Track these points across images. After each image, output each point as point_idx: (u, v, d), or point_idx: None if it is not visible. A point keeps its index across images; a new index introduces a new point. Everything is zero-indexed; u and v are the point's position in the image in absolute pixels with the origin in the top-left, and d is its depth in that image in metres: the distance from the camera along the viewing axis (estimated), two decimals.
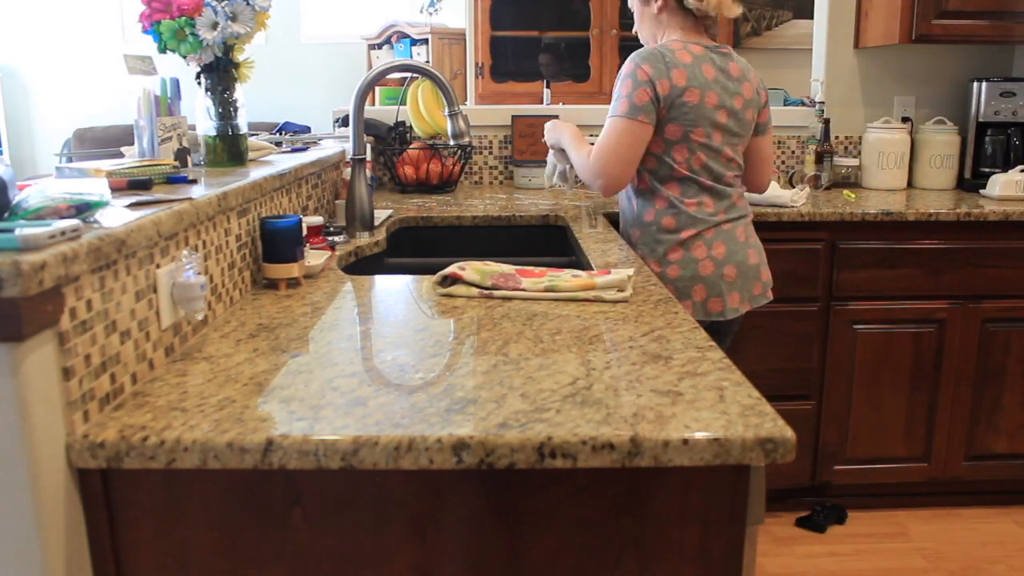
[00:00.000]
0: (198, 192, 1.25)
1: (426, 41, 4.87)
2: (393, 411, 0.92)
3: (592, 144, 1.96)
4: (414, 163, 2.73)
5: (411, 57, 4.90)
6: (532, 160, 2.85)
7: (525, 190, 2.79)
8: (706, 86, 1.85)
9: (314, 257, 1.58)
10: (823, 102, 2.94)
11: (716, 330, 1.93)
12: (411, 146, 2.74)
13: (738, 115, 1.90)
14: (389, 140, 2.80)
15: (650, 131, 1.85)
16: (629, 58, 1.88)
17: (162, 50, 1.60)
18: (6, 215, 0.90)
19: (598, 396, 0.95)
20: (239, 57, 1.65)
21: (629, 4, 2.02)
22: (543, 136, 2.21)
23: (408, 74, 3.06)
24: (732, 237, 1.91)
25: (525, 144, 2.87)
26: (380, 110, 2.91)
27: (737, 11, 1.93)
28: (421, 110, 2.66)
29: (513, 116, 2.88)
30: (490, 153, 2.95)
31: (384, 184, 2.87)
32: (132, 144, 1.65)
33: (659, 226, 1.91)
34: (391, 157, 2.75)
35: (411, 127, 2.77)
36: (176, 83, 1.62)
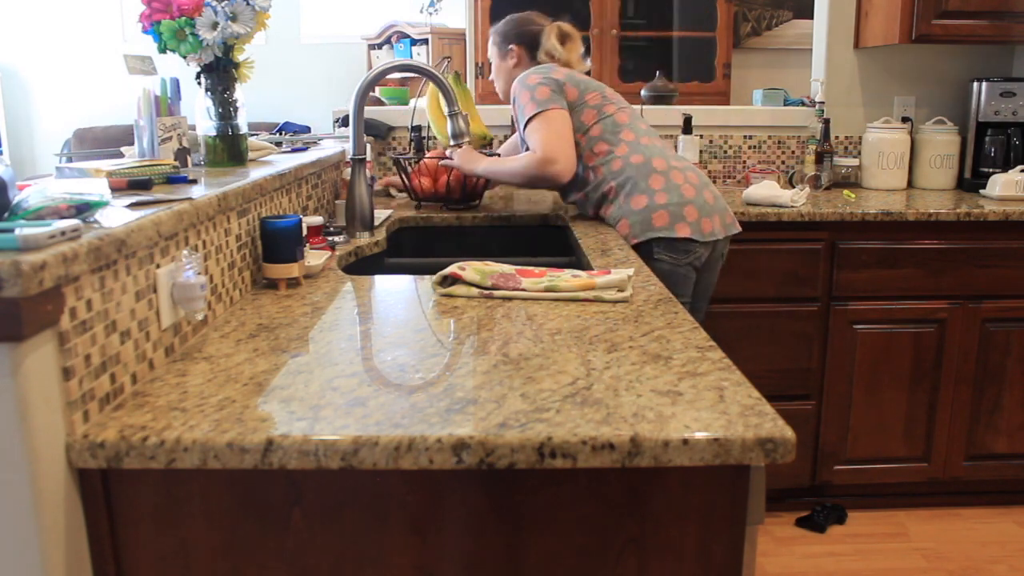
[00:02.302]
0: (198, 192, 1.25)
1: (426, 41, 4.87)
2: (393, 411, 0.92)
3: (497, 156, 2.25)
4: (431, 174, 2.38)
5: (411, 57, 4.90)
6: None
7: (525, 190, 2.79)
8: (582, 82, 2.13)
9: (314, 257, 1.58)
10: (823, 102, 2.94)
11: (709, 259, 2.04)
12: (428, 155, 2.40)
13: (613, 90, 2.18)
14: (404, 148, 2.61)
15: (567, 115, 2.06)
16: (515, 83, 2.13)
17: (162, 50, 1.60)
18: (6, 215, 0.90)
19: (598, 396, 0.95)
20: (239, 57, 1.65)
21: (489, 56, 2.30)
22: (452, 170, 2.30)
23: (408, 74, 3.04)
24: (698, 172, 2.09)
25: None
26: (380, 110, 2.90)
27: (585, 67, 2.23)
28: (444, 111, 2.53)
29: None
30: (490, 153, 2.94)
31: (394, 198, 2.60)
32: (132, 144, 1.65)
33: (632, 166, 2.04)
34: (406, 167, 2.37)
35: (428, 133, 2.59)
36: (176, 83, 1.62)
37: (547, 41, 2.19)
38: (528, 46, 2.21)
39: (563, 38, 2.21)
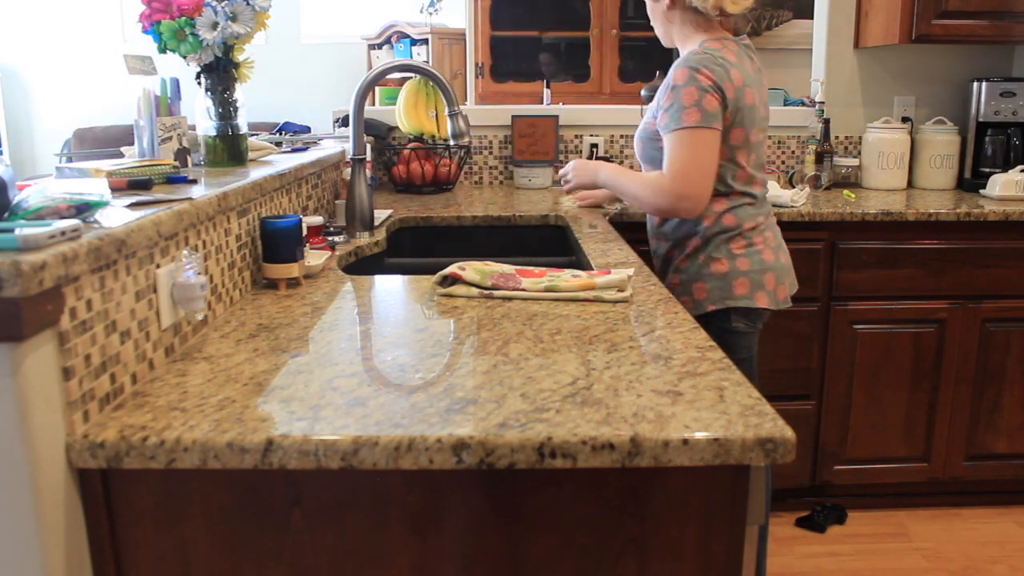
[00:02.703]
0: (198, 192, 1.25)
1: (426, 41, 4.87)
2: (393, 411, 0.92)
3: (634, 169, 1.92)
4: (405, 163, 2.71)
5: (411, 57, 4.90)
6: (532, 160, 2.85)
7: (525, 190, 2.79)
8: (752, 83, 1.79)
9: (314, 257, 1.58)
10: (823, 102, 2.94)
11: (763, 322, 1.90)
12: (408, 146, 2.72)
13: (767, 107, 1.88)
14: (389, 141, 2.80)
15: (719, 140, 1.75)
16: (679, 65, 1.76)
17: (162, 50, 1.60)
18: (6, 215, 0.90)
19: (598, 396, 0.95)
20: (239, 57, 1.65)
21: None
22: (566, 182, 2.11)
23: (408, 74, 3.04)
24: (774, 227, 1.91)
25: (525, 144, 2.87)
26: (379, 110, 2.91)
27: (742, 5, 1.78)
28: (400, 110, 2.66)
29: (513, 116, 2.88)
30: (490, 153, 2.95)
31: (383, 184, 2.87)
32: (132, 144, 1.65)
33: (723, 226, 1.82)
34: (391, 158, 2.74)
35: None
36: (176, 83, 1.62)
37: None
38: None
39: None
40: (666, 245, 1.92)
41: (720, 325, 1.82)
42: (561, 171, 2.13)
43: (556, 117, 2.87)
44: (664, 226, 1.92)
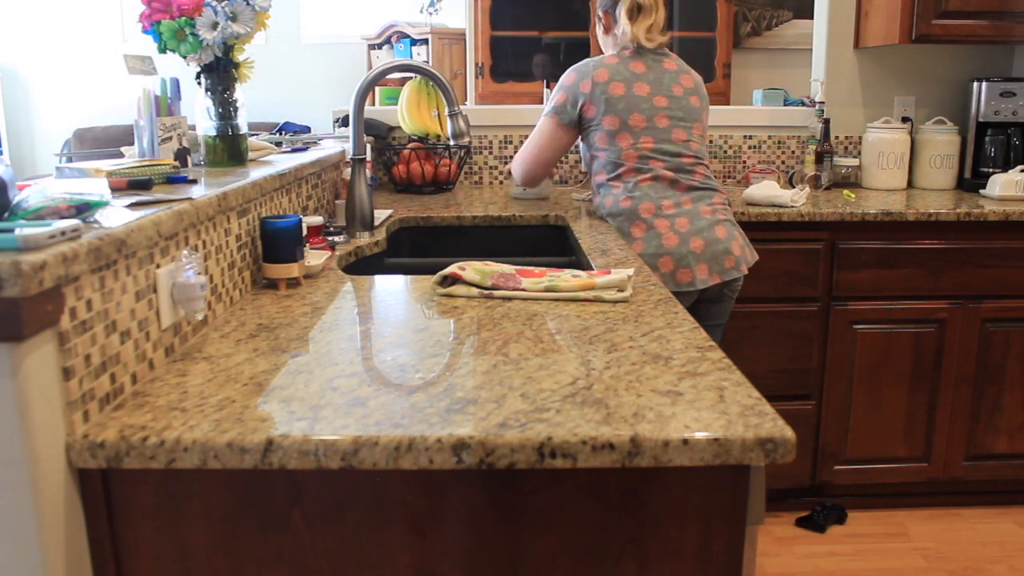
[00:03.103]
0: (198, 192, 1.25)
1: (426, 41, 4.87)
2: (393, 411, 0.92)
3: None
4: (405, 163, 2.73)
5: (411, 57, 4.90)
6: None
7: (521, 201, 2.79)
8: (633, 78, 2.05)
9: (314, 257, 1.58)
10: (823, 102, 2.94)
11: (702, 302, 2.05)
12: (408, 145, 2.73)
13: (680, 101, 2.08)
14: (389, 141, 2.80)
15: (561, 131, 2.12)
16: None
17: (162, 50, 1.60)
18: (6, 215, 0.90)
19: (598, 396, 0.95)
20: (239, 57, 1.65)
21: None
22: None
23: (409, 74, 3.05)
24: (696, 213, 2.02)
25: None
26: (379, 110, 2.91)
27: (656, 41, 2.10)
28: (402, 110, 2.66)
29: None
30: (490, 153, 2.95)
31: (383, 184, 2.87)
32: (132, 144, 1.65)
33: (620, 208, 2.04)
34: (391, 157, 2.74)
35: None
36: (176, 83, 1.62)
37: (620, 13, 2.12)
38: (612, 13, 2.15)
39: (632, 12, 2.10)
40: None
41: None
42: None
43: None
44: (595, 205, 2.20)
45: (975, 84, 2.83)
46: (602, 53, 2.21)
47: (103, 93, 5.42)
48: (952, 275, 2.46)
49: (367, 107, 2.60)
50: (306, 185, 1.92)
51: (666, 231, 1.99)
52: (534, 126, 2.94)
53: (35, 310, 0.80)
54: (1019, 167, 2.67)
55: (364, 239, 1.91)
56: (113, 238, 0.93)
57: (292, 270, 1.47)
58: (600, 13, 2.18)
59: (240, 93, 1.68)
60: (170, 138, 1.58)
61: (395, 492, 0.89)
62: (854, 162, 2.91)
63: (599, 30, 2.22)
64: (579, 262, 1.87)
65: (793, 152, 3.00)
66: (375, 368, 1.06)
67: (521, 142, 2.93)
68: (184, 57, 1.60)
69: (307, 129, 2.63)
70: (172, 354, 1.11)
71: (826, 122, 2.86)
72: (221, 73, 1.64)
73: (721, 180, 3.01)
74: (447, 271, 1.42)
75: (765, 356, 2.48)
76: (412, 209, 2.36)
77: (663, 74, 2.09)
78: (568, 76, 2.11)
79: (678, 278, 1.98)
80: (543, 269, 1.47)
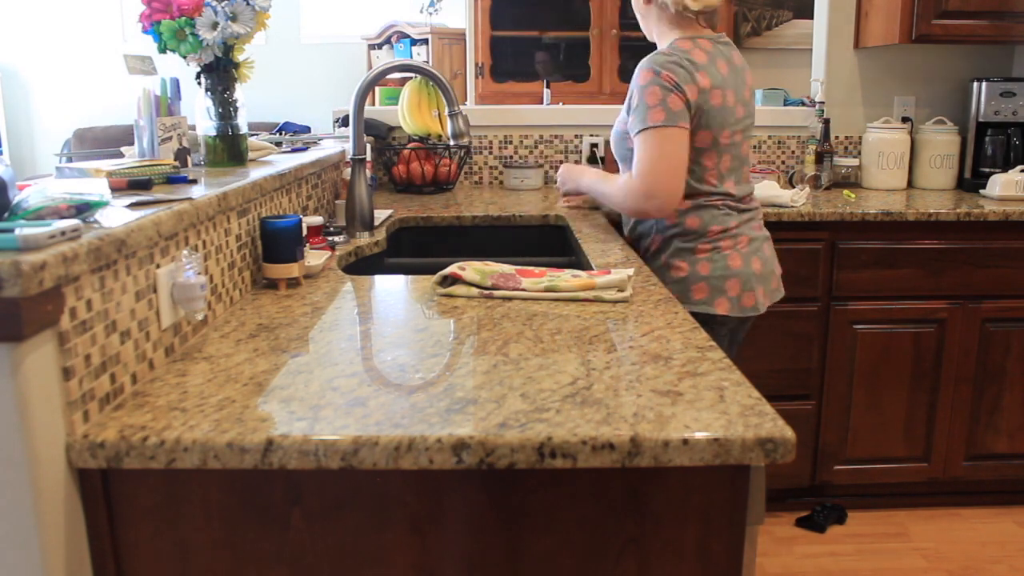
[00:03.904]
0: (198, 192, 1.25)
1: (426, 41, 4.87)
2: (393, 411, 0.92)
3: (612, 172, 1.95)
4: (405, 163, 2.71)
5: (411, 57, 4.90)
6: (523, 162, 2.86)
7: (518, 191, 2.79)
8: (724, 84, 1.78)
9: (314, 257, 1.58)
10: (823, 102, 2.94)
11: (739, 327, 1.89)
12: (408, 145, 2.73)
13: (748, 106, 1.87)
14: (389, 141, 2.80)
15: (687, 137, 1.74)
16: (643, 65, 1.77)
17: (162, 50, 1.60)
18: (6, 215, 0.90)
19: (598, 396, 0.95)
20: (239, 57, 1.65)
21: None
22: (559, 188, 2.25)
23: (409, 74, 3.04)
24: (752, 231, 1.88)
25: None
26: (379, 110, 2.91)
27: (703, 2, 1.79)
28: (402, 110, 2.67)
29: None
30: (490, 153, 2.95)
31: (383, 184, 2.87)
32: (132, 144, 1.65)
33: (684, 228, 1.83)
34: (391, 157, 2.74)
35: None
36: (176, 83, 1.62)
37: None
38: None
39: None
40: (634, 244, 1.96)
41: None
42: (558, 181, 2.22)
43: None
44: (631, 225, 1.97)
45: (975, 84, 2.83)
46: (649, 33, 1.89)
47: (103, 93, 5.42)
48: (952, 275, 2.45)
49: (367, 107, 2.60)
50: (306, 185, 1.92)
51: (730, 251, 1.82)
52: (533, 126, 2.96)
53: (35, 310, 0.80)
54: (1019, 167, 2.67)
55: (364, 239, 1.91)
56: (113, 238, 0.93)
57: (292, 270, 1.47)
58: None
59: (240, 93, 1.68)
60: (170, 138, 1.58)
61: (395, 492, 0.89)
62: (854, 162, 2.91)
63: (640, 3, 1.90)
64: (579, 262, 1.87)
65: (793, 152, 3.00)
66: (375, 368, 1.06)
67: (521, 142, 2.93)
68: (184, 57, 1.60)
69: (307, 129, 2.64)
70: (172, 354, 1.11)
71: (826, 122, 2.86)
72: (221, 73, 1.64)
73: None
74: (447, 271, 1.42)
75: (765, 356, 2.48)
76: (412, 209, 2.36)
77: (738, 75, 1.83)
78: (668, 74, 1.72)
79: (743, 302, 1.82)
80: (543, 269, 1.47)
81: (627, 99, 1.83)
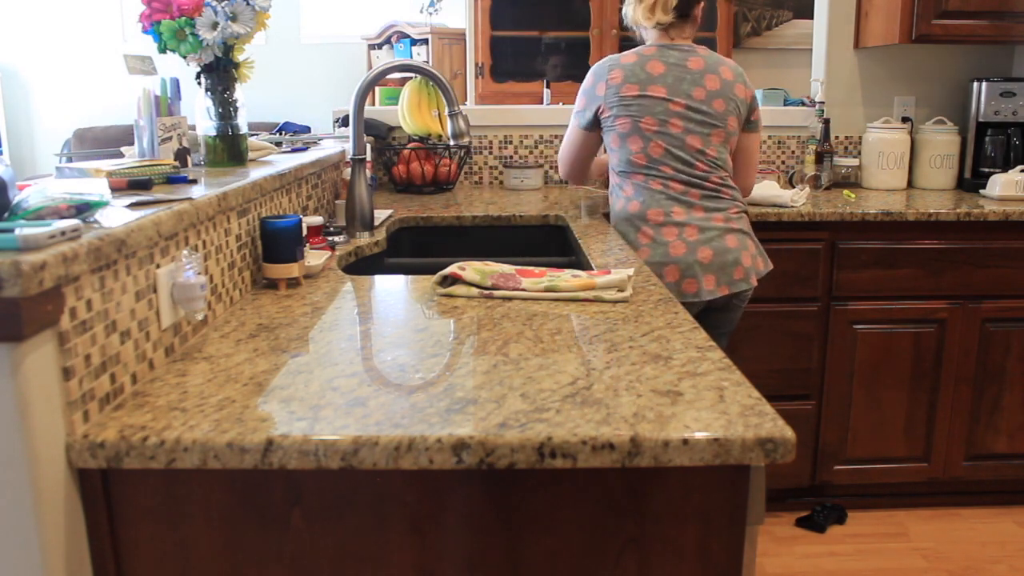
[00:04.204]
0: (198, 192, 1.25)
1: (426, 41, 4.87)
2: (393, 411, 0.92)
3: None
4: (405, 163, 2.73)
5: (411, 57, 4.90)
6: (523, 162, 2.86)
7: (517, 191, 2.79)
8: (648, 80, 1.99)
9: (314, 257, 1.58)
10: (823, 102, 2.94)
11: (709, 311, 2.01)
12: (408, 145, 2.73)
13: (699, 105, 1.99)
14: (389, 141, 2.80)
15: (582, 134, 2.11)
16: None
17: (162, 50, 1.60)
18: (6, 215, 0.90)
19: (598, 396, 0.95)
20: (239, 57, 1.65)
21: None
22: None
23: (409, 74, 3.04)
24: (707, 222, 1.98)
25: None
26: (379, 110, 2.91)
27: (654, 19, 2.02)
28: (403, 110, 2.67)
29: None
30: (490, 153, 2.95)
31: (383, 184, 2.87)
32: (132, 144, 1.65)
33: (628, 212, 2.02)
34: (391, 157, 2.75)
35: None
36: (176, 83, 1.62)
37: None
38: None
39: None
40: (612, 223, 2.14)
41: None
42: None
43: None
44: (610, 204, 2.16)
45: (975, 84, 2.83)
46: (619, 50, 2.16)
47: (103, 93, 5.42)
48: (952, 275, 2.45)
49: (367, 107, 2.60)
50: (306, 185, 1.92)
51: (673, 239, 1.96)
52: (533, 126, 2.97)
53: (35, 310, 0.80)
54: (1019, 167, 2.67)
55: (364, 239, 1.91)
56: (113, 238, 0.93)
57: (292, 270, 1.47)
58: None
59: (240, 93, 1.68)
60: (170, 138, 1.58)
61: (395, 492, 0.89)
62: (854, 162, 2.91)
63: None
64: (579, 262, 1.87)
65: (793, 152, 3.00)
66: (375, 368, 1.06)
67: (521, 142, 2.94)
68: (184, 57, 1.60)
69: (307, 129, 2.64)
70: (172, 354, 1.11)
71: (826, 122, 2.86)
72: (221, 73, 1.64)
73: None
74: (447, 271, 1.42)
75: (765, 356, 2.48)
76: (412, 209, 2.36)
77: (684, 75, 1.99)
78: (587, 79, 2.07)
79: (683, 288, 1.95)
80: (543, 269, 1.47)
81: None
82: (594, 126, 2.09)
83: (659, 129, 1.98)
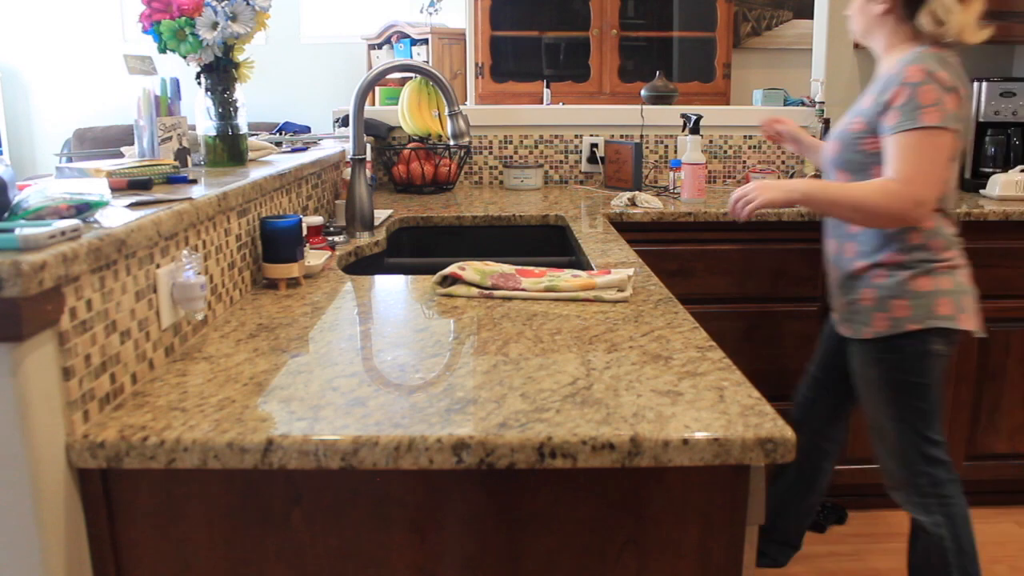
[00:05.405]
0: (198, 192, 1.25)
1: (426, 41, 4.87)
2: (393, 411, 0.92)
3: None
4: (405, 163, 2.72)
5: (411, 57, 4.90)
6: (523, 165, 2.86)
7: (517, 191, 2.79)
8: (967, 95, 1.68)
9: (314, 257, 1.58)
10: (823, 102, 2.94)
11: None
12: (408, 145, 2.73)
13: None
14: (389, 141, 2.80)
15: (956, 145, 1.63)
16: (910, 61, 1.62)
17: (162, 50, 1.60)
18: (6, 215, 0.90)
19: (598, 396, 0.95)
20: (239, 57, 1.65)
21: None
22: (746, 203, 1.78)
23: (409, 74, 3.05)
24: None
25: (613, 170, 2.81)
26: (379, 110, 2.91)
27: (983, 35, 1.68)
28: (403, 110, 2.67)
29: (605, 141, 2.85)
30: (490, 153, 2.95)
31: (383, 184, 2.87)
32: (132, 144, 1.65)
33: (926, 242, 1.70)
34: (391, 157, 2.74)
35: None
36: (176, 83, 1.62)
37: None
38: None
39: None
40: (859, 257, 1.76)
41: (916, 347, 1.72)
42: (737, 191, 1.80)
43: (638, 145, 2.78)
44: (860, 236, 1.76)
45: (975, 84, 2.82)
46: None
47: (103, 93, 5.42)
48: None
49: (367, 107, 2.60)
50: (306, 185, 1.92)
51: (963, 267, 1.73)
52: (533, 126, 2.96)
53: (35, 310, 0.80)
54: (1019, 167, 2.67)
55: (364, 239, 1.91)
56: (113, 238, 0.93)
57: (292, 270, 1.47)
58: None
59: (240, 93, 1.68)
60: (170, 138, 1.58)
61: (395, 492, 0.89)
62: None
63: (874, 7, 1.72)
64: (579, 262, 1.87)
65: (793, 152, 3.00)
66: (375, 368, 1.06)
67: (521, 142, 2.93)
68: (184, 57, 1.60)
69: (307, 129, 2.64)
70: (172, 354, 1.11)
71: (826, 122, 2.86)
72: (221, 73, 1.64)
73: (721, 180, 3.01)
74: (447, 271, 1.42)
75: (765, 356, 2.48)
76: (412, 209, 2.36)
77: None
78: (940, 73, 1.59)
79: (976, 319, 1.74)
80: (543, 269, 1.47)
81: (876, 97, 1.67)
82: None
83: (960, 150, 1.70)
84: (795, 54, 4.54)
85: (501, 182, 2.96)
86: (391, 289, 1.48)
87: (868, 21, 1.75)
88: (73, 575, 0.88)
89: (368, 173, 1.98)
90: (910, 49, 1.67)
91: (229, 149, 1.67)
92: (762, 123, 2.15)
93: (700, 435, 0.86)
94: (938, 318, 1.69)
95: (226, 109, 1.65)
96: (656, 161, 2.97)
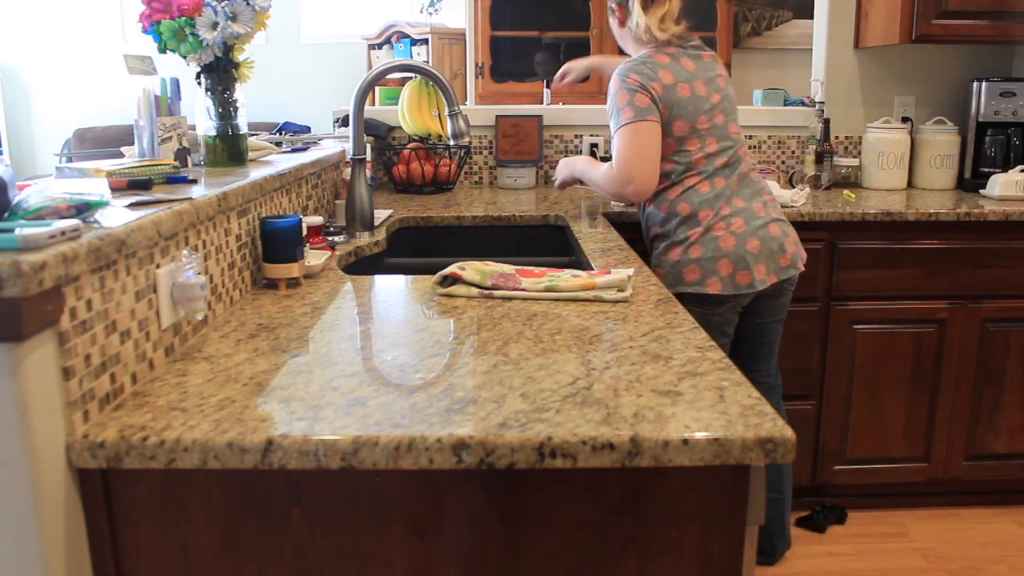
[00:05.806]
0: (198, 192, 1.25)
1: (426, 41, 4.87)
2: (393, 411, 0.92)
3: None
4: (405, 163, 2.73)
5: (411, 57, 4.90)
6: (517, 160, 2.85)
7: (511, 190, 2.79)
8: (692, 77, 1.97)
9: (314, 257, 1.58)
10: (823, 102, 2.94)
11: (761, 297, 2.02)
12: (408, 145, 2.74)
13: (725, 92, 2.04)
14: (389, 141, 2.80)
15: (659, 129, 1.94)
16: (615, 74, 1.99)
17: (162, 50, 1.60)
18: (6, 215, 0.90)
19: (598, 396, 0.95)
20: (239, 57, 1.65)
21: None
22: (556, 181, 2.30)
23: (409, 74, 3.04)
24: (750, 212, 1.98)
25: (509, 144, 2.86)
26: (379, 110, 2.91)
27: (669, 31, 2.00)
28: (403, 110, 2.67)
29: (497, 116, 2.86)
30: (490, 153, 2.95)
31: (383, 184, 2.87)
32: (132, 144, 1.65)
33: (675, 214, 1.97)
34: (391, 157, 2.75)
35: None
36: (176, 83, 1.62)
37: (633, 4, 2.01)
38: (625, 5, 2.04)
39: (646, 1, 1.99)
40: (647, 231, 2.10)
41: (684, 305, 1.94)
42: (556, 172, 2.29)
43: (540, 117, 2.86)
44: (645, 211, 2.09)
45: (975, 84, 2.82)
46: (618, 50, 2.11)
47: (103, 93, 5.42)
48: (952, 275, 2.45)
49: (367, 107, 2.60)
50: (306, 185, 1.92)
51: (722, 233, 1.93)
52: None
53: (35, 310, 0.80)
54: (1019, 167, 2.67)
55: (364, 239, 1.91)
56: (113, 238, 0.93)
57: (292, 270, 1.47)
58: (613, 5, 2.08)
59: (240, 93, 1.68)
60: (170, 138, 1.58)
61: (395, 492, 0.89)
62: (854, 162, 2.91)
63: (613, 23, 2.12)
64: (579, 262, 1.87)
65: (793, 152, 3.00)
66: (375, 368, 1.06)
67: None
68: (184, 57, 1.60)
69: (307, 129, 2.64)
70: (172, 354, 1.11)
71: (826, 122, 2.86)
72: (221, 73, 1.64)
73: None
74: (447, 271, 1.42)
75: None
76: (412, 209, 2.36)
77: (708, 68, 2.01)
78: (630, 77, 1.94)
79: (737, 280, 1.93)
80: (543, 269, 1.47)
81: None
82: (659, 120, 1.95)
83: (710, 124, 1.97)
84: (795, 54, 4.55)
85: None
86: (391, 289, 1.48)
87: (619, 38, 2.14)
88: (73, 575, 0.88)
89: (368, 173, 1.98)
90: (636, 54, 2.05)
91: (229, 149, 1.67)
92: (553, 90, 2.60)
93: (700, 435, 0.86)
94: (687, 284, 1.95)
95: (226, 109, 1.65)
96: None
